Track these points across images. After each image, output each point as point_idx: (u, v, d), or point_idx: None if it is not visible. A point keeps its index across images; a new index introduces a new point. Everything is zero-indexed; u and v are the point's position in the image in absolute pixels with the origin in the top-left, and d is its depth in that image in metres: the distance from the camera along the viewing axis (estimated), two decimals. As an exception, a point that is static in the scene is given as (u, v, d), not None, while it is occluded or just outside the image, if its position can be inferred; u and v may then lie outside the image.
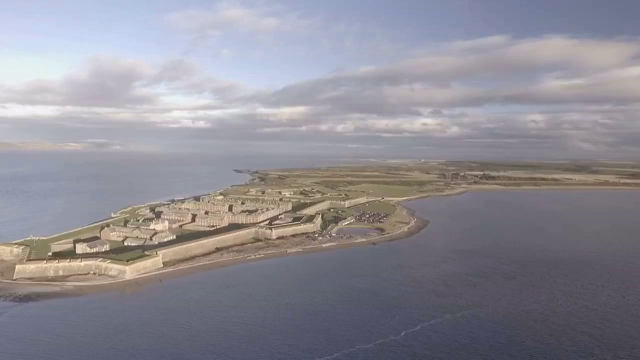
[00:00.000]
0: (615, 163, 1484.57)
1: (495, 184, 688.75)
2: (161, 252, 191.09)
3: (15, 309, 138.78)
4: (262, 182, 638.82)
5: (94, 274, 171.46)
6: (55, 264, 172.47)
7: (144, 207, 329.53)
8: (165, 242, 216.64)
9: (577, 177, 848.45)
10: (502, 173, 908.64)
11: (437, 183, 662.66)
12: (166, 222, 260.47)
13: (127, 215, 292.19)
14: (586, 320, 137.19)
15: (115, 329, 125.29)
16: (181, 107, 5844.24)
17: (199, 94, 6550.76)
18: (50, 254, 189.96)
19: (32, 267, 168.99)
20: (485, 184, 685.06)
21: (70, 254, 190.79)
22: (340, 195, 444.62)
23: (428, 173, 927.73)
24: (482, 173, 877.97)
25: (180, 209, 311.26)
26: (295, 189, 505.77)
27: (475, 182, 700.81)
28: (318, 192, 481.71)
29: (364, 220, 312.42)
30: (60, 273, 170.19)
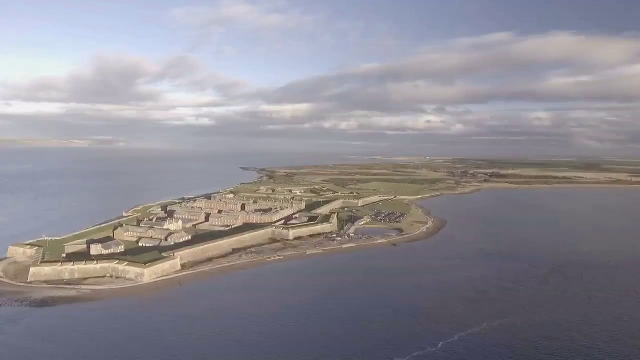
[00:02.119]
0: (624, 161, 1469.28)
1: (506, 182, 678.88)
2: (178, 254, 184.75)
3: (32, 314, 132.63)
4: (271, 180, 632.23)
5: (111, 276, 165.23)
6: (70, 266, 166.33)
7: (155, 205, 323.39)
8: (180, 243, 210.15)
9: (588, 175, 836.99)
10: (510, 171, 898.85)
11: (448, 181, 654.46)
12: (180, 222, 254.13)
13: (139, 214, 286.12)
14: (632, 330, 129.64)
15: (139, 337, 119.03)
16: (184, 104, 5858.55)
17: (202, 90, 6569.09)
18: (64, 255, 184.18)
19: (47, 270, 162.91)
20: (496, 182, 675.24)
21: (85, 255, 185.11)
22: (352, 193, 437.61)
23: (436, 171, 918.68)
24: (491, 171, 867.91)
25: (192, 207, 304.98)
26: (305, 187, 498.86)
27: (485, 180, 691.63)
28: (329, 190, 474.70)
29: (380, 219, 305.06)
30: (76, 276, 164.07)
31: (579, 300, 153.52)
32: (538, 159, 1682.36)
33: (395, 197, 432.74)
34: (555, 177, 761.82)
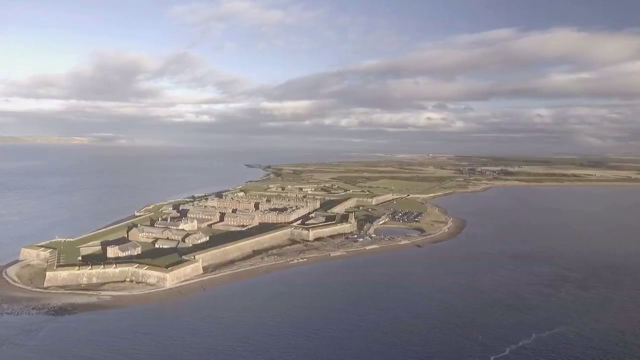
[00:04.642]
0: (630, 158, 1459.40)
1: (516, 179, 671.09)
2: (200, 257, 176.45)
3: (51, 323, 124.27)
4: (279, 178, 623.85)
5: (131, 281, 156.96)
6: (88, 270, 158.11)
7: (167, 204, 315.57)
8: (199, 245, 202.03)
9: (596, 173, 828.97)
10: (517, 169, 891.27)
11: (457, 179, 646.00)
12: (195, 222, 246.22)
13: (152, 214, 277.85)
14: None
15: (167, 348, 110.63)
16: (185, 101, 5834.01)
17: (202, 87, 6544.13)
18: (79, 257, 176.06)
19: (64, 274, 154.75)
20: (506, 180, 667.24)
21: (101, 258, 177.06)
22: (364, 192, 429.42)
23: (443, 168, 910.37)
24: (499, 169, 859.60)
25: (205, 207, 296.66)
26: (315, 185, 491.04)
27: (495, 178, 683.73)
28: (339, 188, 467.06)
29: (398, 219, 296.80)
30: (94, 280, 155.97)
31: (629, 308, 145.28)
32: (541, 156, 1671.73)
33: (408, 195, 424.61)
34: (564, 175, 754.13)
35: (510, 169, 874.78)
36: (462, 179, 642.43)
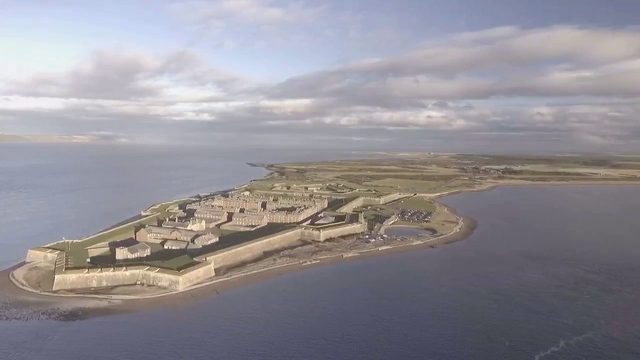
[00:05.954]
0: (633, 157, 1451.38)
1: (521, 178, 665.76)
2: (211, 258, 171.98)
3: (62, 329, 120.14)
4: (283, 177, 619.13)
5: (142, 284, 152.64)
6: (97, 273, 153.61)
7: (173, 204, 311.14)
8: (208, 246, 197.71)
9: (601, 171, 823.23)
10: (520, 167, 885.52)
11: (462, 178, 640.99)
12: (203, 222, 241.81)
13: (159, 214, 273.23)
14: None
15: (186, 351, 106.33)
16: (184, 100, 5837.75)
17: (202, 86, 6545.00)
18: (88, 259, 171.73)
19: (74, 277, 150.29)
20: (512, 178, 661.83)
21: (109, 259, 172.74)
22: (371, 191, 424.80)
23: (446, 167, 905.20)
24: (503, 167, 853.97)
25: (212, 206, 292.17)
26: (320, 184, 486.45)
27: (500, 177, 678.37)
28: (345, 187, 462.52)
29: (408, 219, 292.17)
30: (104, 284, 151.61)
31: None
32: (543, 154, 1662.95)
33: (415, 194, 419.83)
34: (568, 174, 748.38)
35: (514, 167, 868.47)
36: (467, 178, 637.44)
